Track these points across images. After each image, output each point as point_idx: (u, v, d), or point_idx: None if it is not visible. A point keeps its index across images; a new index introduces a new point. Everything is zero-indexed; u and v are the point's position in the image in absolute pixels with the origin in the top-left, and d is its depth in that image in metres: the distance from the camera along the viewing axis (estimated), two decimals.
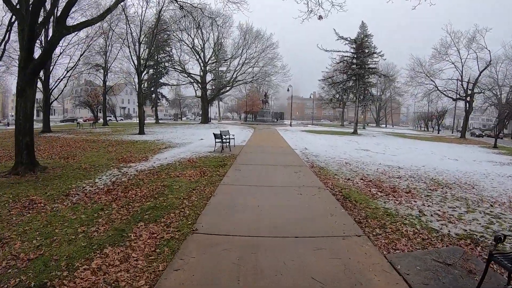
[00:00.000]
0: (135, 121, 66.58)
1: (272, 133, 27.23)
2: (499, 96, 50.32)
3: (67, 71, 30.75)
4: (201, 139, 19.92)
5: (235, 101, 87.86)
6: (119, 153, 13.88)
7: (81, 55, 31.59)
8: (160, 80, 53.59)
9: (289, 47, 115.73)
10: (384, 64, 51.94)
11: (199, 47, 43.20)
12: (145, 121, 57.62)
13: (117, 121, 65.69)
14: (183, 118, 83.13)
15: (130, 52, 26.95)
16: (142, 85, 55.29)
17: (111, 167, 10.36)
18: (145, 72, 29.11)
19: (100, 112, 74.67)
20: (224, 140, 13.60)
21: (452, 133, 60.47)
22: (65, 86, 34.91)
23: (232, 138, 15.13)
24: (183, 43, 42.26)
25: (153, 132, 28.21)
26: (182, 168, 9.73)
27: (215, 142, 13.51)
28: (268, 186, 7.17)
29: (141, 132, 25.60)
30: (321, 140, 22.14)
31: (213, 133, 13.53)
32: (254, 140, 20.16)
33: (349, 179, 8.79)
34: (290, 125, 44.14)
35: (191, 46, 42.01)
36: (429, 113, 64.83)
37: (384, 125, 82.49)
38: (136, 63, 25.92)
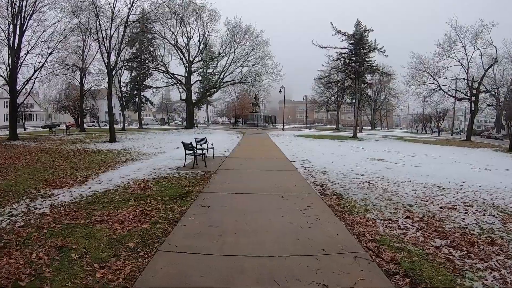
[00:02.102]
0: (120, 126, 62.37)
1: (264, 139, 23.74)
2: (497, 96, 47.94)
3: (35, 72, 26.98)
4: (177, 148, 16.39)
5: (225, 105, 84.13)
6: (59, 170, 10.45)
7: (49, 54, 27.62)
8: (144, 83, 49.82)
9: (279, 49, 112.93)
10: (380, 64, 48.63)
11: (183, 44, 39.60)
12: (128, 126, 54.15)
13: (99, 126, 61.52)
14: (170, 123, 79.08)
15: (99, 47, 23.32)
16: (125, 88, 51.88)
17: (25, 196, 6.94)
18: (115, 70, 25.28)
19: (84, 117, 70.45)
20: (198, 152, 10.05)
21: (452, 135, 57.77)
22: (32, 87, 31.14)
23: (210, 148, 11.62)
24: (166, 40, 38.63)
25: (127, 139, 24.57)
26: (121, 200, 6.18)
27: (185, 154, 9.93)
28: (254, 257, 3.56)
29: (112, 139, 21.96)
30: (322, 147, 18.75)
31: (182, 143, 9.92)
32: (241, 148, 16.66)
33: (390, 219, 5.35)
34: (283, 129, 40.62)
35: (173, 43, 38.28)
36: (428, 115, 62.05)
37: (380, 128, 79.76)
38: (106, 59, 22.29)
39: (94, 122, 63.98)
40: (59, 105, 58.20)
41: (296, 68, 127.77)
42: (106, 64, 22.37)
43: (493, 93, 44.65)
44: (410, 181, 9.04)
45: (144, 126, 56.83)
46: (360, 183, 8.22)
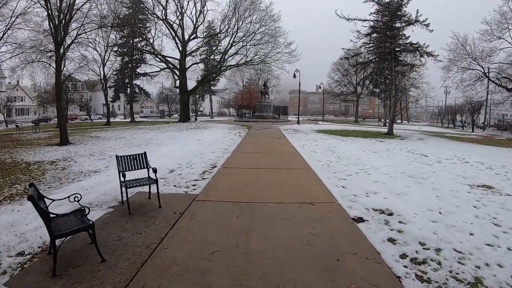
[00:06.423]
0: (117, 119, 56.43)
1: (276, 140, 16.83)
2: None
3: None
4: None
5: (232, 95, 77.39)
6: None
7: (3, 33, 21.17)
8: (137, 70, 43.31)
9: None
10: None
11: (174, 19, 32.76)
12: (124, 119, 47.69)
13: (91, 120, 55.57)
14: (173, 115, 72.52)
15: (48, 14, 16.89)
16: (116, 76, 45.46)
17: None
18: (68, 45, 18.81)
19: (80, 110, 64.47)
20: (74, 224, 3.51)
21: (483, 130, 50.15)
22: None
23: (152, 183, 5.10)
24: (154, 15, 32.03)
25: (93, 138, 18.30)
26: None
27: (43, 219, 3.37)
28: None
29: (63, 141, 15.74)
30: (371, 156, 11.91)
31: (31, 188, 3.37)
32: (238, 163, 9.80)
33: None
34: (298, 122, 33.68)
35: (163, 18, 31.42)
36: (458, 106, 54.34)
37: (400, 121, 72.12)
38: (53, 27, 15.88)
39: (87, 115, 58.17)
40: (43, 98, 52.24)
41: (305, 59, 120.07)
42: (54, 36, 15.98)
43: None
44: None
45: (139, 119, 50.65)
46: None
